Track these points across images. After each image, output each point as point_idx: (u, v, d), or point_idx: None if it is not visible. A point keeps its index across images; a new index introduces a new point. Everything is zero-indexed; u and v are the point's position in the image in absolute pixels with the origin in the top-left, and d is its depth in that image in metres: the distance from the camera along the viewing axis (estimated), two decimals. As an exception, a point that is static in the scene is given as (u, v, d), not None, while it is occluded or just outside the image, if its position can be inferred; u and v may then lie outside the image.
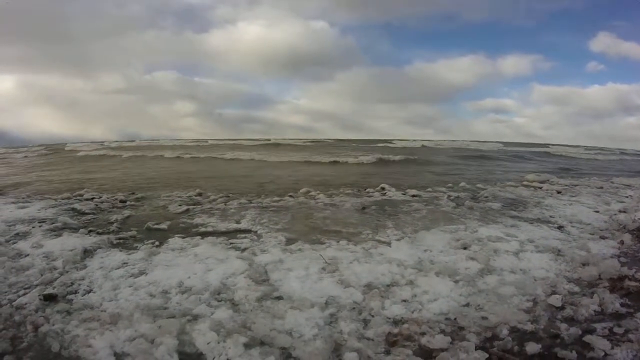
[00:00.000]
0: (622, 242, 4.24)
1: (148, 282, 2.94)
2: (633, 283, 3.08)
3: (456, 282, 2.98)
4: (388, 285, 2.95)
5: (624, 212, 5.92)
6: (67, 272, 3.18)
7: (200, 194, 6.98)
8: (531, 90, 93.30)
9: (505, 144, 39.55)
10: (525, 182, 9.50)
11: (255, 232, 4.41)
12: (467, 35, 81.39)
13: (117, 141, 41.04)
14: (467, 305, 2.67)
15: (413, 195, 6.88)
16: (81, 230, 4.50)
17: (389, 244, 3.89)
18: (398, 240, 4.02)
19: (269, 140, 39.00)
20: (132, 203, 6.32)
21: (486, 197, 6.85)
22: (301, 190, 7.15)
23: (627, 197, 7.97)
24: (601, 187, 9.31)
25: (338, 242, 3.96)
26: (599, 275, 3.25)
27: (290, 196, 6.73)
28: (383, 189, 7.62)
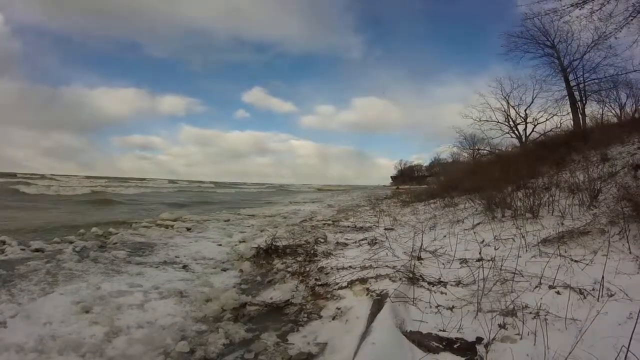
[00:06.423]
0: (241, 271, 4.82)
1: None
2: (253, 307, 3.45)
3: (83, 355, 2.63)
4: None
5: (244, 242, 7.08)
6: None
7: None
8: (180, 130, 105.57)
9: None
10: (159, 222, 9.52)
11: None
12: (138, 68, 77.26)
13: None
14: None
15: (36, 250, 5.84)
16: None
17: (4, 324, 3.15)
18: (13, 317, 3.29)
19: None
20: None
21: (115, 243, 6.49)
22: None
23: (249, 226, 9.79)
24: (228, 220, 10.97)
25: None
26: (222, 308, 3.45)
27: None
28: (3, 242, 6.10)
